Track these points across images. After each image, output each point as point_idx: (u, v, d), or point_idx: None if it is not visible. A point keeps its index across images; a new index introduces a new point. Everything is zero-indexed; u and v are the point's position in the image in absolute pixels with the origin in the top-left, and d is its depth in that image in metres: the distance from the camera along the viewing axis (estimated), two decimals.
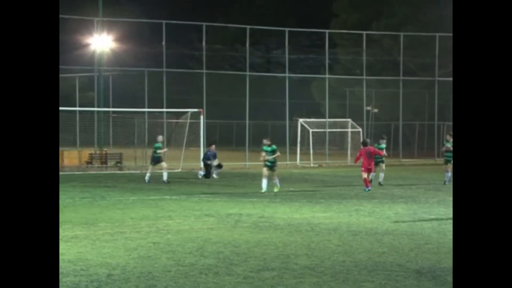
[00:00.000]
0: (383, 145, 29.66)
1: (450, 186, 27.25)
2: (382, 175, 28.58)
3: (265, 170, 24.75)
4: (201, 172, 32.75)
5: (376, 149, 27.23)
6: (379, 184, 27.95)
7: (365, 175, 25.67)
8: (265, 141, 25.01)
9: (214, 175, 32.04)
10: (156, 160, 29.26)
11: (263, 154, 24.85)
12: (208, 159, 32.42)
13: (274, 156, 24.70)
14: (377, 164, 27.70)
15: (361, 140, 27.97)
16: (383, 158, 28.89)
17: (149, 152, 40.89)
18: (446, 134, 30.26)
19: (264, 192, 24.20)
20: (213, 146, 33.30)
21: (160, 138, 30.18)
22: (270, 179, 24.66)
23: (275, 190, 24.38)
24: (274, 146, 24.89)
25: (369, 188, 25.45)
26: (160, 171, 30.05)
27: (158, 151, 29.15)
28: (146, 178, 29.34)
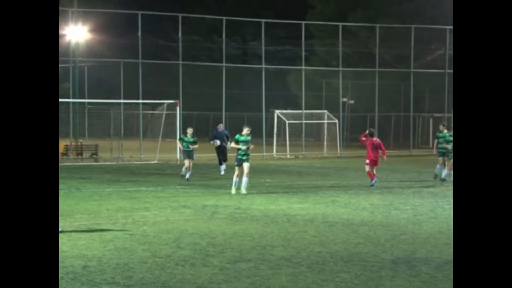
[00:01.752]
0: (449, 136, 25.43)
1: (424, 178, 27.42)
2: (448, 172, 24.82)
3: (244, 166, 21.34)
4: (222, 167, 29.02)
5: (381, 143, 25.17)
6: (442, 180, 25.05)
7: (368, 168, 24.41)
8: (246, 130, 21.83)
9: (222, 171, 28.85)
10: (189, 155, 25.85)
11: (240, 145, 21.50)
12: (212, 139, 29.18)
13: (250, 147, 21.69)
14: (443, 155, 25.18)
15: (367, 130, 25.82)
16: (451, 154, 24.81)
17: (126, 143, 40.82)
18: (440, 124, 26.98)
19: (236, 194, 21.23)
20: (220, 125, 29.86)
21: (190, 131, 26.44)
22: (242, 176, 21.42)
23: (245, 192, 21.14)
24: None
25: (375, 181, 24.08)
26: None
27: (191, 146, 25.94)
28: (187, 175, 25.64)
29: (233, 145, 21.94)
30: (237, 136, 21.92)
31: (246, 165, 21.34)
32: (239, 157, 21.51)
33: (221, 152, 29.21)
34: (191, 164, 25.75)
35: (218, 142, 28.91)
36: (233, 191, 21.37)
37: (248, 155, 21.62)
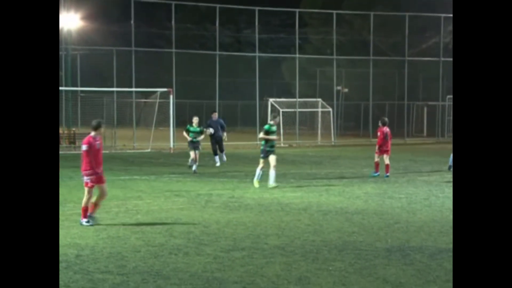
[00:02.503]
0: None
1: (419, 167, 27.47)
2: None
3: (271, 159, 20.17)
4: (218, 158, 27.98)
5: (391, 136, 24.23)
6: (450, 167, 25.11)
7: (377, 158, 23.63)
8: (276, 120, 20.87)
9: (217, 162, 27.62)
10: (195, 146, 24.65)
11: (273, 136, 20.36)
12: (206, 128, 28.09)
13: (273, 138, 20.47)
14: None
15: (381, 120, 24.32)
16: None
17: (119, 132, 40.75)
18: None
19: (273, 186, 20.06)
20: (215, 114, 28.94)
21: (196, 120, 25.20)
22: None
23: (274, 185, 20.09)
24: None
25: (378, 173, 23.42)
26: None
27: (200, 138, 24.86)
28: (194, 167, 24.54)
29: (262, 135, 20.37)
30: (267, 126, 20.43)
31: (272, 157, 20.06)
32: (268, 148, 20.19)
33: (216, 142, 28.33)
34: (197, 156, 24.65)
35: (211, 130, 28.10)
36: (256, 184, 20.13)
37: (274, 146, 20.38)
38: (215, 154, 28.21)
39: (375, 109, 51.43)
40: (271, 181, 20.11)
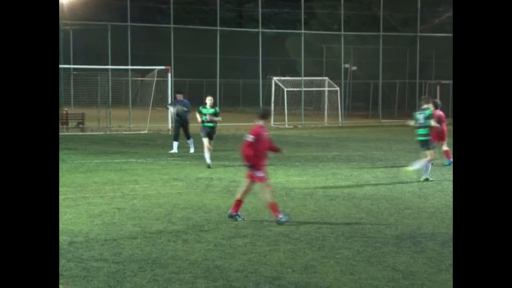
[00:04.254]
0: None
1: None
2: None
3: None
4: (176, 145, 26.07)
5: (445, 119, 21.82)
6: None
7: (445, 147, 21.87)
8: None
9: (191, 148, 25.80)
10: (208, 132, 21.60)
11: None
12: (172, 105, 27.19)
13: None
14: None
15: (432, 102, 20.61)
16: None
17: (114, 112, 40.73)
18: (421, 100, 20.43)
19: None
20: (180, 95, 26.73)
21: (210, 100, 21.97)
22: None
23: None
24: None
25: (451, 160, 21.49)
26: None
27: (216, 118, 21.79)
28: (208, 160, 21.31)
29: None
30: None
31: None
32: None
33: (181, 126, 26.09)
34: (211, 145, 21.45)
35: (171, 108, 27.10)
36: None
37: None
38: (176, 139, 25.95)
39: (385, 88, 51.35)
40: None
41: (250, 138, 12.57)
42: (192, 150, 25.55)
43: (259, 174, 12.58)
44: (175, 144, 25.87)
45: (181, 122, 26.10)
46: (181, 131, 25.96)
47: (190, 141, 25.82)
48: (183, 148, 25.68)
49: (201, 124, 21.64)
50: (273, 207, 12.57)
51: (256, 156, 12.61)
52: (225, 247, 10.55)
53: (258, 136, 12.63)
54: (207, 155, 21.21)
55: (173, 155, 24.92)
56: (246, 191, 12.89)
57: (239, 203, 12.79)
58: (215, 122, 21.71)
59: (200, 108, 21.88)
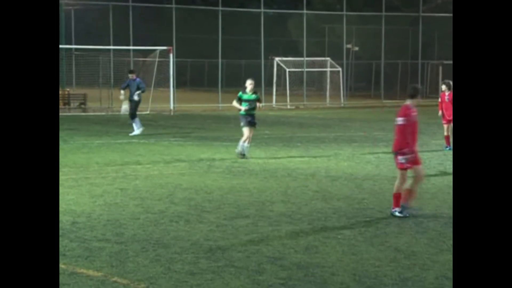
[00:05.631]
0: None
1: (433, 130, 27.50)
2: None
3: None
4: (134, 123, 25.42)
5: (452, 100, 20.76)
6: None
7: (446, 131, 21.48)
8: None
9: (135, 130, 25.07)
10: (250, 120, 19.07)
11: None
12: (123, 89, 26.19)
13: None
14: None
15: (446, 84, 21.63)
16: None
17: (116, 92, 40.71)
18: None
19: None
20: (133, 74, 25.93)
21: (249, 84, 19.19)
22: None
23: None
24: None
25: (449, 147, 20.98)
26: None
27: (259, 104, 19.35)
28: (244, 150, 19.00)
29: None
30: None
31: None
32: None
33: (130, 104, 25.66)
34: (251, 134, 19.08)
35: (122, 95, 26.26)
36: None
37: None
38: (133, 118, 25.49)
39: (387, 68, 51.24)
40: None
41: (399, 121, 11.52)
42: (136, 132, 24.84)
43: (402, 159, 11.50)
44: (136, 122, 25.31)
45: (133, 101, 25.43)
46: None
47: (135, 121, 25.21)
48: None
49: (240, 112, 19.03)
50: (396, 198, 11.58)
51: (404, 140, 11.51)
52: (227, 228, 10.57)
53: (407, 118, 11.51)
54: (245, 144, 18.80)
55: (175, 135, 24.89)
56: (416, 180, 11.82)
57: (406, 194, 11.62)
58: (256, 109, 19.09)
59: (240, 93, 19.09)
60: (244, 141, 18.85)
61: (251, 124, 18.90)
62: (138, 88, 25.32)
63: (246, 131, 18.77)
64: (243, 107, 18.78)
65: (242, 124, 19.00)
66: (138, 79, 25.84)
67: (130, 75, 25.97)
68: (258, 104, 19.03)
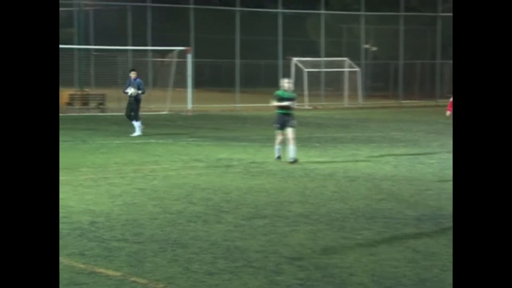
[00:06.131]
0: None
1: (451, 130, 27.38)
2: None
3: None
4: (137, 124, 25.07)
5: None
6: None
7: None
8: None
9: (136, 130, 24.87)
10: (283, 121, 18.15)
11: None
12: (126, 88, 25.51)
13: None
14: None
15: None
16: None
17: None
18: None
19: None
20: (134, 73, 25.53)
21: (286, 83, 18.43)
22: None
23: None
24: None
25: None
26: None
27: (292, 103, 18.26)
28: (277, 153, 18.24)
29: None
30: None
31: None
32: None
33: (130, 105, 25.21)
34: (292, 135, 17.94)
35: (130, 91, 25.12)
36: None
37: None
38: (136, 119, 25.13)
39: (405, 68, 51.06)
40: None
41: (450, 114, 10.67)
42: (137, 134, 24.59)
43: None
44: (137, 124, 24.94)
45: (133, 102, 25.06)
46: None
47: (137, 124, 24.91)
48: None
49: (277, 111, 18.10)
50: None
51: None
52: (245, 228, 10.56)
53: None
54: (291, 146, 17.83)
55: (192, 135, 24.92)
56: None
57: None
58: (291, 108, 18.22)
59: (278, 92, 18.24)
60: (283, 144, 17.98)
61: (287, 123, 17.95)
62: (138, 89, 25.03)
63: (289, 132, 17.92)
64: (277, 112, 18.02)
65: (276, 125, 18.18)
66: (138, 80, 25.43)
67: (131, 74, 25.47)
68: (291, 103, 18.08)
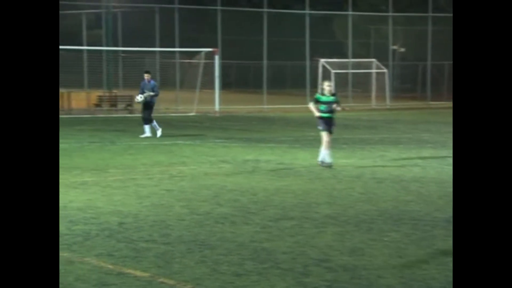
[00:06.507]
0: None
1: None
2: None
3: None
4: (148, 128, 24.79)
5: None
6: None
7: None
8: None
9: (146, 132, 24.61)
10: (328, 123, 17.44)
11: None
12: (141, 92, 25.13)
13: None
14: None
15: None
16: None
17: (162, 94, 40.83)
18: None
19: None
20: (148, 75, 25.38)
21: (327, 85, 17.83)
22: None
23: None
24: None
25: None
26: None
27: (338, 108, 17.65)
28: (326, 157, 17.31)
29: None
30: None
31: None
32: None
33: (145, 108, 25.05)
34: (330, 139, 17.35)
35: (139, 98, 24.90)
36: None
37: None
38: (147, 122, 24.76)
39: (434, 70, 50.80)
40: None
41: None
42: (147, 134, 24.35)
43: None
44: (147, 128, 24.59)
45: (146, 104, 24.86)
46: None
47: (151, 125, 24.63)
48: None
49: (319, 115, 17.31)
50: None
51: None
52: (273, 229, 10.56)
53: None
54: (326, 151, 17.23)
55: (219, 136, 24.96)
56: None
57: None
58: (335, 111, 17.58)
59: (318, 95, 17.80)
60: (325, 148, 17.22)
61: (330, 127, 17.36)
62: (152, 91, 24.81)
63: (325, 135, 17.19)
64: (319, 112, 17.26)
65: (320, 127, 17.38)
66: (153, 82, 25.32)
67: (145, 75, 25.24)
68: (334, 106, 17.42)
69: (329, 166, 17.04)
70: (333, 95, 17.56)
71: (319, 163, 17.17)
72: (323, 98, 17.38)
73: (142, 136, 24.40)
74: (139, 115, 36.65)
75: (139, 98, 24.61)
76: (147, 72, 25.77)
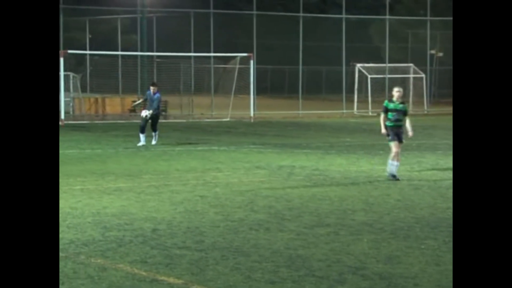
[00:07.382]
0: None
1: None
2: None
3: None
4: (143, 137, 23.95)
5: None
6: None
7: None
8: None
9: (141, 141, 23.74)
10: (397, 132, 16.53)
11: None
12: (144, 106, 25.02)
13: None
14: None
15: None
16: None
17: (196, 99, 41.14)
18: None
19: None
20: (154, 87, 24.67)
21: (396, 91, 16.76)
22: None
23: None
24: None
25: None
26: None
27: (408, 127, 16.95)
28: (391, 168, 16.34)
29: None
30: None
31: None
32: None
33: (150, 118, 24.07)
34: (399, 149, 16.37)
35: (145, 113, 24.12)
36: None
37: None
38: (142, 131, 23.80)
39: None
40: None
41: None
42: (143, 143, 23.59)
43: None
44: (142, 136, 23.74)
45: (153, 116, 24.06)
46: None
47: (156, 133, 24.16)
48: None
49: (387, 123, 16.49)
50: None
51: None
52: (308, 236, 10.53)
53: None
54: (395, 163, 16.25)
55: (254, 142, 24.99)
56: None
57: None
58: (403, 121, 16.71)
59: (386, 102, 16.91)
60: (393, 159, 16.25)
61: (399, 137, 16.45)
62: (156, 105, 24.16)
63: (394, 146, 16.25)
64: (390, 117, 16.39)
65: (389, 138, 16.45)
66: (158, 95, 24.39)
67: (152, 87, 24.60)
68: (408, 128, 16.76)
69: (395, 178, 16.05)
70: (402, 103, 16.70)
71: (390, 177, 16.10)
72: (391, 106, 16.52)
73: (139, 144, 23.58)
74: (173, 120, 36.97)
75: (148, 114, 23.92)
76: (153, 84, 25.19)
